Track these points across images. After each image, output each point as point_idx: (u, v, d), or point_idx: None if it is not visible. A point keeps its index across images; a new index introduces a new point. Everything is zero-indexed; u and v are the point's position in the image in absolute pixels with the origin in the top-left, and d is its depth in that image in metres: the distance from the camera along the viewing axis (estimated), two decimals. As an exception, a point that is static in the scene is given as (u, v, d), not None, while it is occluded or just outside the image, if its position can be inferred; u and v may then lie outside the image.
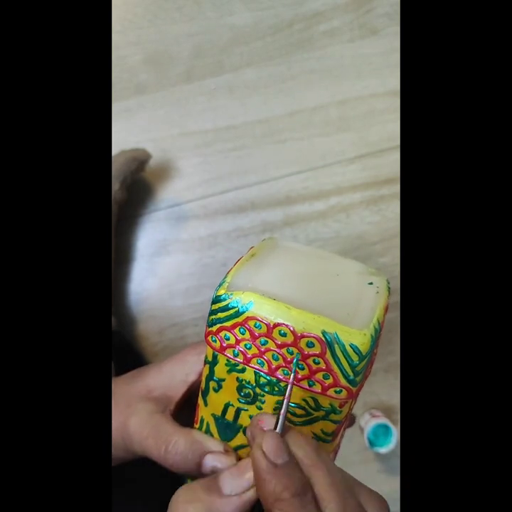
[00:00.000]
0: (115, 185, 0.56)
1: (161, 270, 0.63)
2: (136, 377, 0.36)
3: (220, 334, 0.28)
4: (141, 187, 0.64)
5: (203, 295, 0.63)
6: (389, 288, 0.31)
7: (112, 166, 0.57)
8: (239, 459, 0.31)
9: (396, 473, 0.64)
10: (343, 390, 0.26)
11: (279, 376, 0.27)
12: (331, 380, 0.26)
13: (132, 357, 0.60)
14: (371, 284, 0.30)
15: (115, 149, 0.59)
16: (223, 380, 0.29)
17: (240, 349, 0.27)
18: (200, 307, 0.63)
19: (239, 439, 0.31)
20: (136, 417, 0.33)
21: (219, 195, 0.64)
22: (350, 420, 0.35)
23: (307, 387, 0.27)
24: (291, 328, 0.25)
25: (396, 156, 0.64)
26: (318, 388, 0.26)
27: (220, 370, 0.29)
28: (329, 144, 0.65)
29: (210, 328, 0.28)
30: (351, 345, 0.25)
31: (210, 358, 0.30)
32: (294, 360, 0.26)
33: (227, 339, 0.28)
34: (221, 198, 0.64)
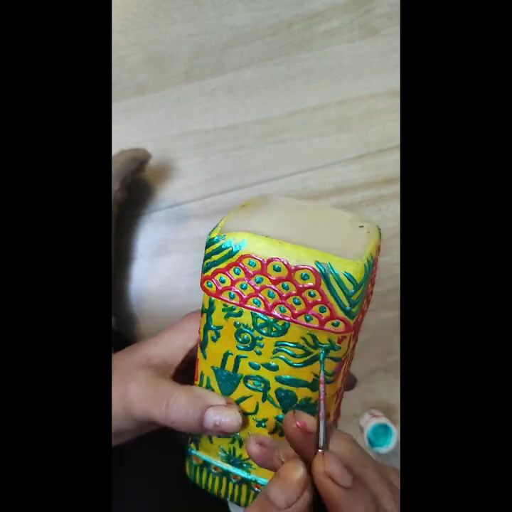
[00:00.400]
0: (115, 185, 0.56)
1: (161, 270, 0.63)
2: (134, 349, 0.36)
3: (216, 278, 0.28)
4: (141, 187, 0.64)
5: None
6: (380, 233, 0.31)
7: (112, 166, 0.57)
8: (241, 411, 0.30)
9: (396, 473, 0.64)
10: (341, 322, 0.26)
11: (276, 314, 0.27)
12: (327, 313, 0.26)
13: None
14: (362, 227, 0.30)
15: (115, 149, 0.59)
16: (221, 327, 0.29)
17: (236, 290, 0.28)
18: (200, 307, 0.63)
19: (240, 392, 0.31)
20: (136, 383, 0.33)
21: (219, 195, 0.64)
22: (351, 381, 0.35)
23: (304, 322, 0.26)
24: (285, 262, 0.25)
25: (396, 156, 0.64)
26: (315, 323, 0.26)
27: (218, 317, 0.29)
28: (329, 144, 0.65)
29: (205, 274, 0.28)
30: (345, 274, 0.25)
31: (206, 306, 0.30)
32: (321, 357, 0.26)
33: (223, 282, 0.28)
34: (221, 198, 0.64)
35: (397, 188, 0.64)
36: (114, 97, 0.64)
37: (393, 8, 0.65)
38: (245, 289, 0.27)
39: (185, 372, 0.35)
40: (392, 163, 0.64)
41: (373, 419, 0.61)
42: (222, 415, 0.30)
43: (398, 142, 0.64)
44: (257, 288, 0.27)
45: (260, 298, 0.27)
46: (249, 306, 0.28)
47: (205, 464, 0.34)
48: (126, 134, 0.64)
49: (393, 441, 0.61)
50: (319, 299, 0.26)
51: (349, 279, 0.25)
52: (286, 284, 0.26)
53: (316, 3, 0.65)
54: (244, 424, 0.31)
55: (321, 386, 0.25)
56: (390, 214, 0.64)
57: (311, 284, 0.26)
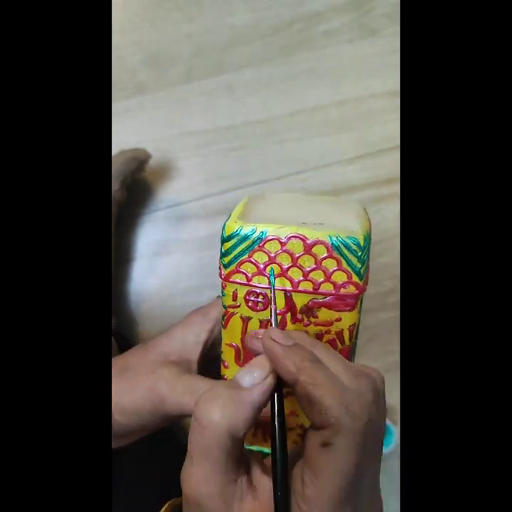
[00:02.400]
0: (115, 185, 0.56)
1: (161, 270, 0.63)
2: (146, 347, 0.37)
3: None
4: (141, 187, 0.64)
5: (203, 295, 0.63)
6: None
7: (112, 166, 0.57)
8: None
9: (396, 474, 0.64)
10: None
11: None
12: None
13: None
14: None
15: (115, 149, 0.59)
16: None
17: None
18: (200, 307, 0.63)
19: None
20: (165, 381, 0.34)
21: (219, 195, 0.64)
22: None
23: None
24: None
25: (396, 156, 0.64)
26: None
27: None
28: (329, 143, 0.65)
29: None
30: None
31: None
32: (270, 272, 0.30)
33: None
34: (221, 198, 0.64)
35: (397, 188, 0.64)
36: (114, 97, 0.64)
37: (393, 8, 0.65)
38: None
39: (203, 366, 0.36)
40: (392, 163, 0.64)
41: (373, 420, 0.61)
42: None
43: (398, 142, 0.64)
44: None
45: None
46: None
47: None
48: (126, 134, 0.64)
49: (393, 441, 0.61)
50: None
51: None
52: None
53: (316, 3, 0.65)
54: None
55: (271, 290, 0.30)
56: (390, 214, 0.64)
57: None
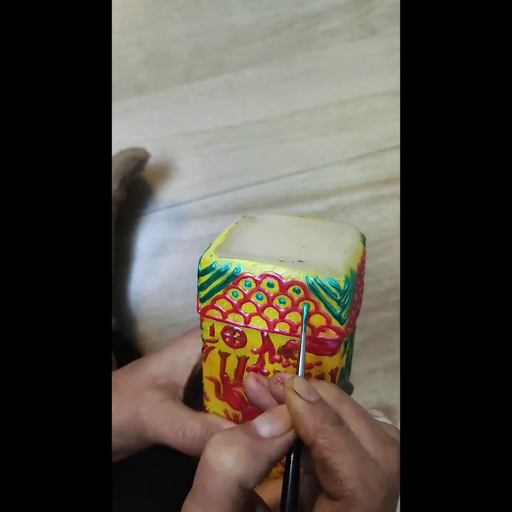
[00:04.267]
0: (114, 185, 0.56)
1: (161, 270, 0.63)
2: (137, 367, 0.36)
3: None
4: (140, 187, 0.64)
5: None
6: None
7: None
8: None
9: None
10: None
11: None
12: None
13: (132, 357, 0.60)
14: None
15: (115, 149, 0.59)
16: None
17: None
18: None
19: None
20: (147, 407, 0.33)
21: (219, 195, 0.64)
22: (349, 389, 0.36)
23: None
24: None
25: (396, 156, 0.64)
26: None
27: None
28: (329, 143, 0.65)
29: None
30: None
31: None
32: (304, 310, 0.28)
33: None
34: (221, 198, 0.64)
35: (397, 188, 0.64)
36: (114, 97, 0.64)
37: (393, 8, 0.65)
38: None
39: (191, 390, 0.35)
40: (392, 163, 0.64)
41: (373, 419, 0.61)
42: None
43: (398, 142, 0.64)
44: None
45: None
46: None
47: None
48: (126, 134, 0.64)
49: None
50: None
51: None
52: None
53: (316, 3, 0.65)
54: None
55: (302, 333, 0.28)
56: (390, 214, 0.64)
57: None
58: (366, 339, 0.62)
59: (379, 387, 0.63)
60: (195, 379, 0.35)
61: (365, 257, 0.32)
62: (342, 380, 0.32)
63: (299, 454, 0.25)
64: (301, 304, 0.28)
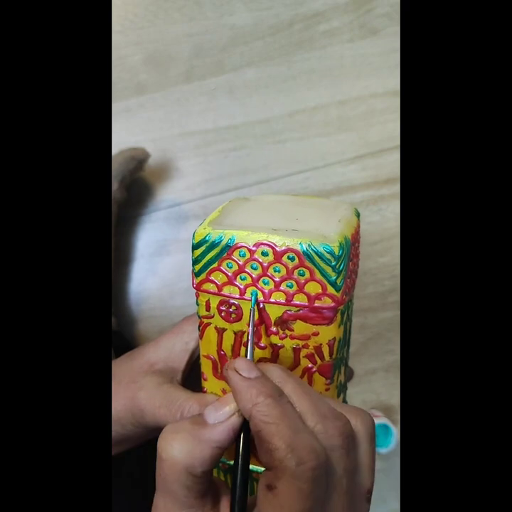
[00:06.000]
0: (114, 185, 0.56)
1: (161, 270, 0.63)
2: (134, 354, 0.36)
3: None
4: (140, 187, 0.64)
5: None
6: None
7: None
8: None
9: (396, 473, 0.64)
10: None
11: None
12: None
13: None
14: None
15: (115, 149, 0.59)
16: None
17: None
18: (200, 307, 0.63)
19: None
20: (145, 391, 0.33)
21: (219, 195, 0.64)
22: (350, 373, 0.36)
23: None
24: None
25: (396, 156, 0.64)
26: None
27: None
28: (329, 143, 0.65)
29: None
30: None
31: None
32: (252, 296, 0.29)
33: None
34: (221, 198, 0.64)
35: (397, 188, 0.64)
36: (114, 97, 0.64)
37: (393, 8, 0.65)
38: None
39: (189, 375, 0.35)
40: (392, 163, 0.64)
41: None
42: None
43: (398, 142, 0.64)
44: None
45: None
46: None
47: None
48: (126, 134, 0.64)
49: (393, 441, 0.61)
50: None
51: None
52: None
53: (316, 3, 0.65)
54: None
55: (251, 313, 0.28)
56: (390, 214, 0.64)
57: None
58: (366, 339, 0.62)
59: (379, 387, 0.63)
60: (194, 364, 0.34)
61: (359, 230, 0.32)
62: (340, 352, 0.32)
63: (248, 436, 0.26)
64: (248, 290, 0.29)
